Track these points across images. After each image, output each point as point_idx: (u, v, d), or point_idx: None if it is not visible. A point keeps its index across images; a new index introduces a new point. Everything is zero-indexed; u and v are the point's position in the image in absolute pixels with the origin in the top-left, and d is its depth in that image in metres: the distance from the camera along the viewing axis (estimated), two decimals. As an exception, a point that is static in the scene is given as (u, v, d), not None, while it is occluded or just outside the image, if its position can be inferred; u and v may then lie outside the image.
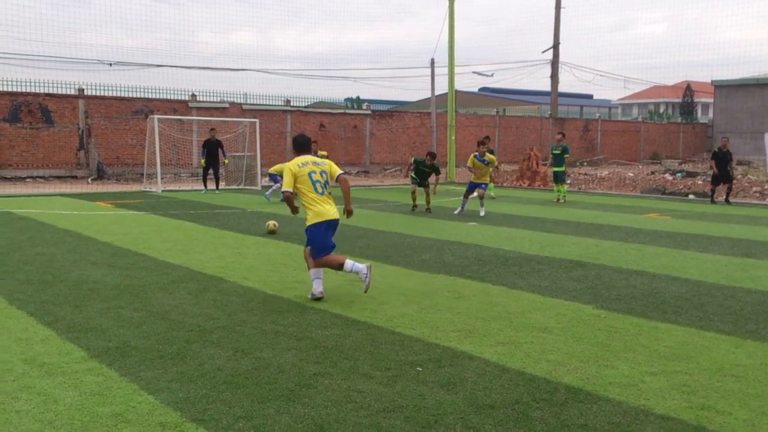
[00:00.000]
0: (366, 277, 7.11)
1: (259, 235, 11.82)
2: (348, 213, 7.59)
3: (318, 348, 5.54)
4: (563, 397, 4.57)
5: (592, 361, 5.32)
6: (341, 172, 7.49)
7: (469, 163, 16.72)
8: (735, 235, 13.04)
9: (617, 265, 9.58)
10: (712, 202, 20.72)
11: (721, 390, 4.72)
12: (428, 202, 16.59)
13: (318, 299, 7.14)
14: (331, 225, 7.27)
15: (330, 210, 7.24)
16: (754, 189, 24.38)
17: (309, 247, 7.28)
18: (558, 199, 20.20)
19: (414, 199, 16.82)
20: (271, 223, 12.35)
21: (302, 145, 7.47)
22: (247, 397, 4.45)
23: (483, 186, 16.33)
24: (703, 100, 62.97)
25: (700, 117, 59.65)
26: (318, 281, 7.23)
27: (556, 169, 20.23)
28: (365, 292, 7.23)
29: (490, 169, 16.74)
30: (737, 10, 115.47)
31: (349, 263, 7.18)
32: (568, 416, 4.24)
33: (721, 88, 46.02)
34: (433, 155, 16.56)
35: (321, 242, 7.19)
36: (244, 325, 6.16)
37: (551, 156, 20.48)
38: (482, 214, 15.87)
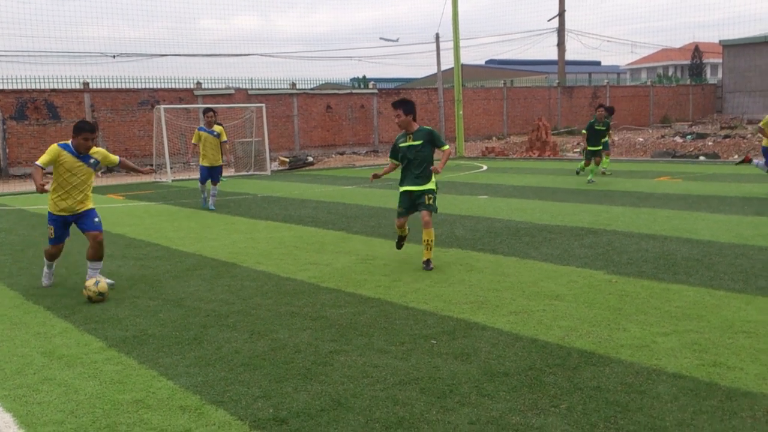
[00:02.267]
0: None
1: (271, 220, 11.90)
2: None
3: (333, 326, 5.61)
4: (576, 361, 4.62)
5: (604, 325, 5.36)
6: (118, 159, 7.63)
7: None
8: (746, 194, 12.97)
9: (628, 230, 9.57)
10: None
11: (732, 346, 4.75)
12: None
13: None
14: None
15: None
16: (767, 147, 24.10)
17: None
18: (603, 172, 17.92)
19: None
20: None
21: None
22: (264, 377, 4.53)
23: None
24: (712, 60, 62.16)
25: (710, 78, 58.93)
26: None
27: (592, 148, 16.78)
28: None
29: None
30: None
31: None
32: (581, 379, 4.29)
33: (730, 47, 45.39)
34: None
35: None
36: (259, 308, 6.24)
37: (591, 131, 16.73)
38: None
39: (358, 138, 32.86)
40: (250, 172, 24.21)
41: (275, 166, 26.34)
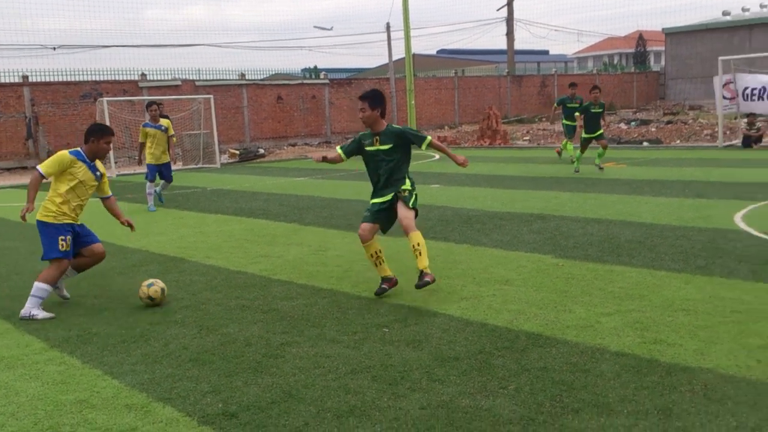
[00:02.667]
0: None
1: (221, 213, 11.75)
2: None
3: (284, 319, 5.58)
4: (524, 343, 4.70)
5: (551, 308, 5.47)
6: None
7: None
8: (687, 178, 13.37)
9: (575, 215, 9.77)
10: None
11: (672, 324, 4.90)
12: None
13: None
14: None
15: None
16: (705, 132, 24.89)
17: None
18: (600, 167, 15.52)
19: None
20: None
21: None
22: (213, 372, 4.48)
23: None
24: (656, 48, 63.58)
25: (653, 65, 60.29)
26: None
27: (588, 135, 15.33)
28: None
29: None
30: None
31: None
32: (528, 360, 4.37)
33: (672, 35, 46.53)
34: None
35: None
36: (209, 303, 6.17)
37: (586, 114, 15.31)
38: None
39: (310, 129, 32.64)
40: (198, 165, 23.83)
41: (225, 158, 25.99)
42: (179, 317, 5.77)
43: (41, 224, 6.14)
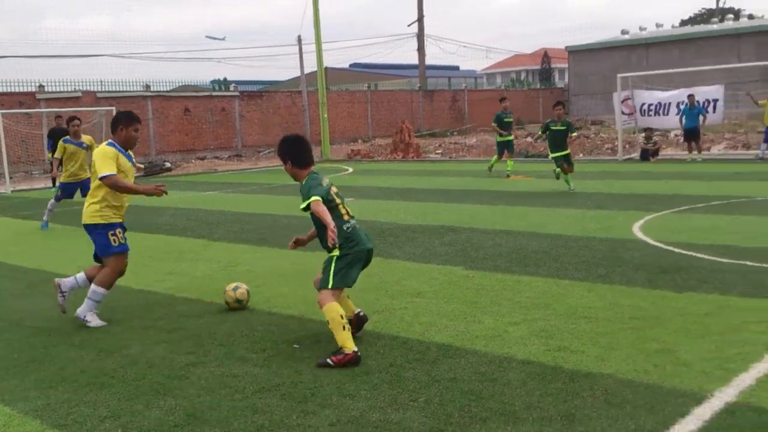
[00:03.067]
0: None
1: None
2: None
3: (190, 338, 5.40)
4: (434, 355, 4.74)
5: (461, 318, 5.54)
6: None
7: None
8: (590, 190, 13.93)
9: (486, 227, 9.98)
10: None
11: (575, 331, 5.06)
12: None
13: None
14: None
15: None
16: (606, 146, 26.08)
17: None
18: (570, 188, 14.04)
19: None
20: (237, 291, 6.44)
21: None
22: (113, 396, 4.27)
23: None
24: (560, 65, 66.24)
25: (558, 82, 62.77)
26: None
27: (556, 154, 13.94)
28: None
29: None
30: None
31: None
32: (439, 372, 4.41)
33: (575, 53, 48.63)
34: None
35: None
36: (110, 324, 5.89)
37: (547, 132, 14.32)
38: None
39: (220, 142, 32.00)
40: (104, 181, 22.86)
41: (132, 173, 25.09)
42: (77, 340, 5.48)
43: (90, 227, 5.98)
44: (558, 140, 14.05)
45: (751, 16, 56.61)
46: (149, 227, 11.46)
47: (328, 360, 4.64)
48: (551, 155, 14.18)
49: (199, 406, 4.06)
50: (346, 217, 4.97)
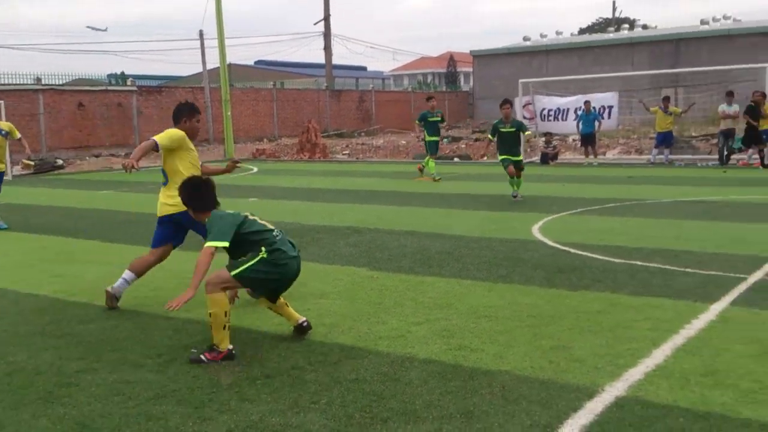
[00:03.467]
0: None
1: (11, 230, 10.61)
2: None
3: (81, 344, 5.14)
4: (337, 356, 4.71)
5: (365, 319, 5.54)
6: None
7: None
8: (493, 192, 14.31)
9: (391, 228, 10.04)
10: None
11: (476, 330, 5.17)
12: None
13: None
14: None
15: None
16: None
17: None
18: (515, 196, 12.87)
19: None
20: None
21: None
22: (-6, 406, 3.99)
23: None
24: (465, 69, 67.83)
25: (463, 85, 64.23)
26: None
27: (506, 156, 12.76)
28: None
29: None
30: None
31: None
32: (341, 373, 4.38)
33: (479, 57, 49.88)
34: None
35: None
36: (-8, 329, 5.52)
37: (497, 134, 12.94)
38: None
39: (116, 139, 30.70)
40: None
41: (18, 170, 23.69)
42: (-46, 348, 5.09)
43: (167, 219, 6.15)
44: (508, 144, 12.64)
45: (645, 26, 59.95)
46: (38, 228, 10.83)
47: (202, 356, 4.63)
48: (500, 157, 12.91)
49: (90, 414, 3.86)
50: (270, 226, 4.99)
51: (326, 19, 43.99)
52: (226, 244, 4.75)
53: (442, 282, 6.72)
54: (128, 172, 5.93)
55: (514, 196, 12.76)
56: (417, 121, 17.97)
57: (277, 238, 4.95)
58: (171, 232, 6.27)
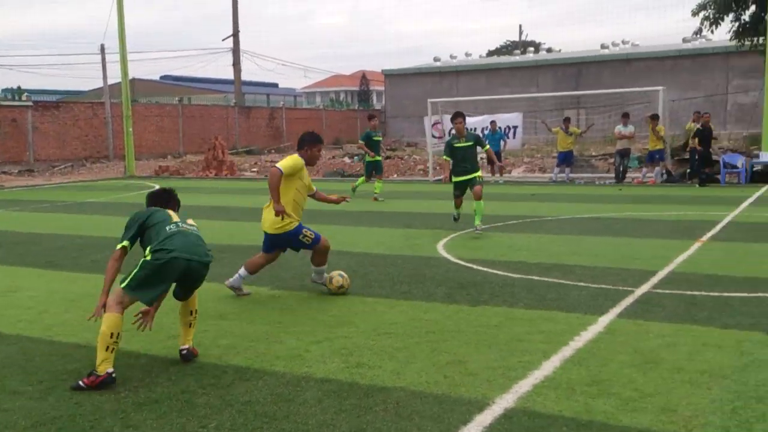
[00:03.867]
0: None
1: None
2: None
3: (-47, 372, 4.78)
4: (231, 378, 4.58)
5: (263, 339, 5.43)
6: None
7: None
8: (400, 209, 14.45)
9: (295, 245, 9.91)
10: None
11: (375, 347, 5.16)
12: None
13: None
14: None
15: None
16: (419, 167, 27.31)
17: None
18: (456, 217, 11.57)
19: None
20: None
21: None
22: None
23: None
24: (378, 88, 68.59)
25: (376, 104, 64.88)
26: None
27: (461, 179, 10.96)
28: None
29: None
30: (407, 4, 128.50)
31: None
32: (233, 396, 4.27)
33: (391, 76, 50.57)
34: None
35: None
36: None
37: (452, 152, 10.90)
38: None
39: (9, 155, 29.11)
40: None
41: None
42: None
43: (278, 236, 6.83)
44: (465, 160, 10.78)
45: (549, 50, 62.53)
46: None
47: (80, 382, 4.44)
48: (454, 180, 10.92)
49: (-45, 450, 3.59)
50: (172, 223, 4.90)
51: (235, 35, 43.50)
52: (126, 243, 4.78)
53: (345, 300, 6.69)
54: (282, 219, 6.65)
55: (455, 219, 11.11)
56: (361, 141, 17.59)
57: (170, 232, 4.75)
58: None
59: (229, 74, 45.45)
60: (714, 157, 20.62)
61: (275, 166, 6.67)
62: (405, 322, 5.84)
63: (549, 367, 4.63)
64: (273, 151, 39.39)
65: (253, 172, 28.14)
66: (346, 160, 31.56)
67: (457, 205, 11.28)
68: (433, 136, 25.03)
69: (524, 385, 4.30)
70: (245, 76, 45.41)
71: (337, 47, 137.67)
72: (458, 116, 11.03)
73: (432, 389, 4.28)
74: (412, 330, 5.61)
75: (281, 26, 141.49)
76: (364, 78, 65.75)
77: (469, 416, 3.84)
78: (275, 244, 6.95)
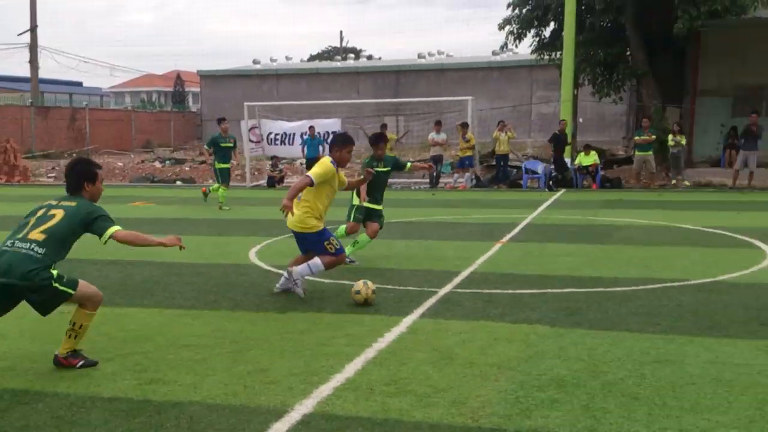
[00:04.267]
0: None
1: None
2: None
3: None
4: (6, 403, 4.17)
5: (46, 359, 4.95)
6: None
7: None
8: (210, 216, 14.01)
9: (92, 257, 8.98)
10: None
11: (173, 361, 4.92)
12: None
13: None
14: None
15: None
16: (237, 173, 26.67)
17: None
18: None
19: None
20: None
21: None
22: None
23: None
24: (194, 89, 66.22)
25: (192, 106, 62.60)
26: None
27: (368, 207, 8.95)
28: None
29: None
30: (216, 4, 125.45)
31: None
32: (8, 421, 3.89)
33: (207, 78, 48.93)
34: None
35: None
36: None
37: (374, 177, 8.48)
38: None
39: None
40: None
41: None
42: None
43: (303, 235, 6.85)
44: (378, 189, 9.01)
45: (369, 57, 64.02)
46: None
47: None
48: (362, 204, 8.92)
49: None
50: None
51: (33, 29, 39.88)
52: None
53: (144, 313, 6.32)
54: (285, 214, 6.50)
55: (351, 261, 8.83)
56: (206, 146, 16.54)
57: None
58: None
59: (26, 72, 41.58)
60: (516, 163, 22.36)
61: (307, 175, 6.75)
62: (208, 334, 5.63)
63: (351, 369, 4.69)
64: (74, 154, 36.54)
65: (51, 177, 25.93)
66: (157, 164, 30.11)
67: (348, 231, 8.98)
68: (251, 141, 24.66)
69: (325, 390, 4.31)
70: (46, 74, 41.81)
71: (149, 45, 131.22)
72: (380, 140, 9.16)
73: (230, 401, 4.15)
74: (214, 341, 5.42)
75: (82, 21, 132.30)
76: (179, 78, 63.24)
77: (267, 425, 3.77)
78: (299, 242, 7.00)
